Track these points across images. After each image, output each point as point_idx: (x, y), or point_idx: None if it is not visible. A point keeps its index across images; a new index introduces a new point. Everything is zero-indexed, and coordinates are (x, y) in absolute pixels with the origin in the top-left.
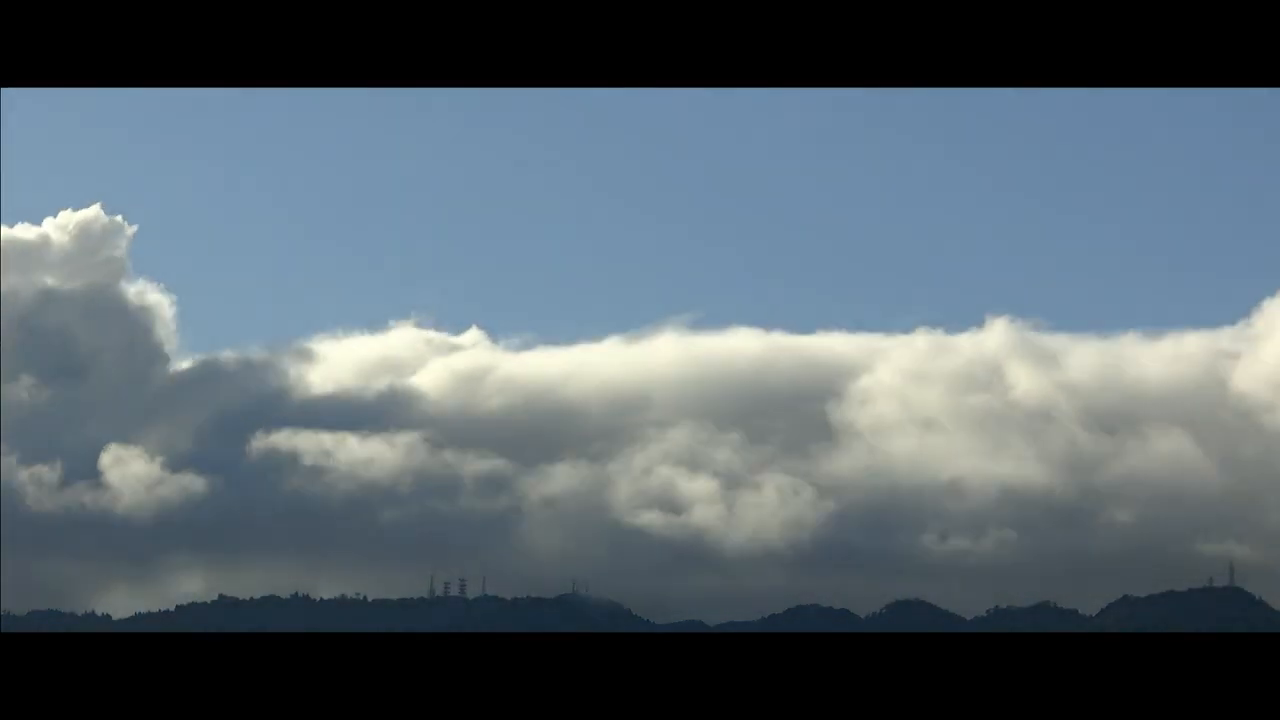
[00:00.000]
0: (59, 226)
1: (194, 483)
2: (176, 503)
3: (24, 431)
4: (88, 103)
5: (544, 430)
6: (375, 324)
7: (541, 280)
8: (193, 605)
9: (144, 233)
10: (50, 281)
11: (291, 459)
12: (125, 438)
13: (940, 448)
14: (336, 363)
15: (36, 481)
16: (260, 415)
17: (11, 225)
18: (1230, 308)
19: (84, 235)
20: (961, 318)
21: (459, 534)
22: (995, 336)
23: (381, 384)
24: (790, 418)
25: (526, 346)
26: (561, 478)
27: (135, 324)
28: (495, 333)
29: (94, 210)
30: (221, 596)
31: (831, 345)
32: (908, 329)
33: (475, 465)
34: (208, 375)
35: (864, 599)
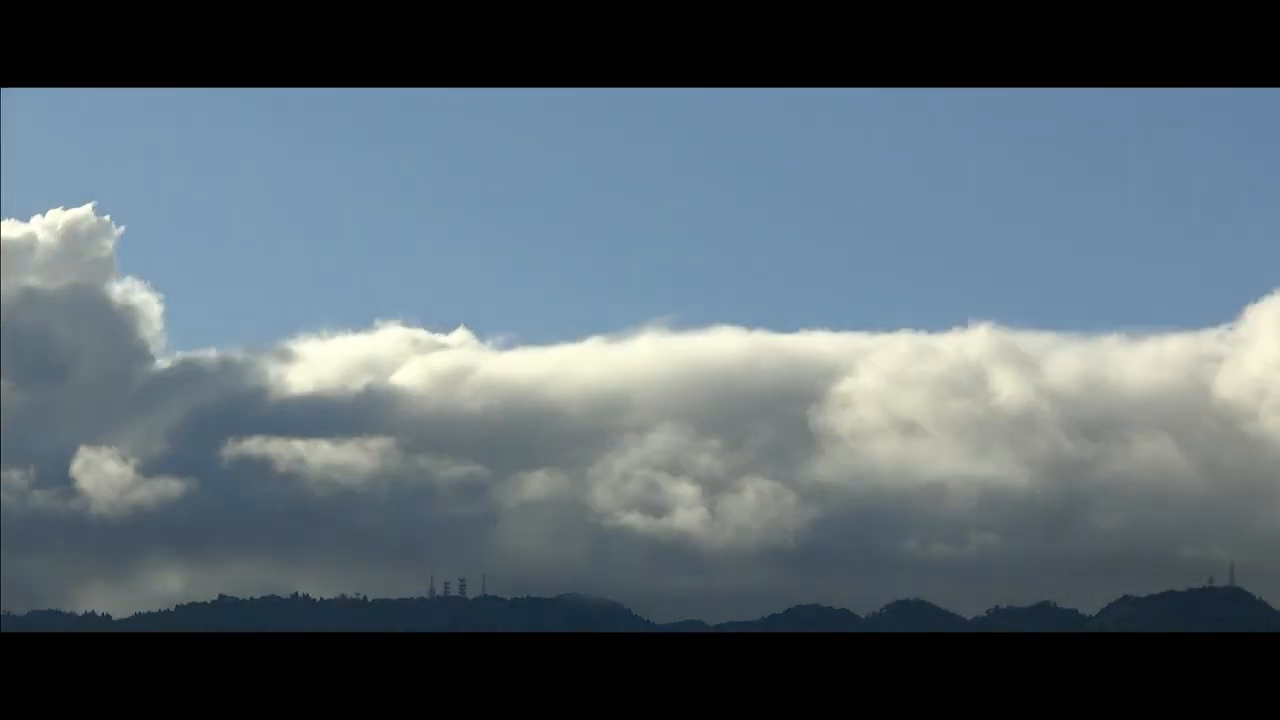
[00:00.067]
0: (47, 226)
1: (168, 486)
2: (149, 505)
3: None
4: (85, 102)
5: (522, 433)
6: (362, 323)
7: (530, 279)
8: (193, 605)
9: (136, 232)
10: (33, 281)
11: (263, 466)
12: (98, 439)
13: (923, 452)
14: (317, 363)
15: (9, 485)
16: (234, 417)
17: None
18: (1214, 309)
19: (70, 235)
20: (945, 316)
21: (439, 536)
22: (978, 342)
23: (359, 385)
24: (772, 420)
25: (509, 346)
26: (538, 482)
27: (118, 324)
28: (483, 332)
29: (84, 210)
30: (221, 596)
31: (815, 344)
32: (892, 328)
33: (450, 471)
34: (187, 375)
35: (864, 599)
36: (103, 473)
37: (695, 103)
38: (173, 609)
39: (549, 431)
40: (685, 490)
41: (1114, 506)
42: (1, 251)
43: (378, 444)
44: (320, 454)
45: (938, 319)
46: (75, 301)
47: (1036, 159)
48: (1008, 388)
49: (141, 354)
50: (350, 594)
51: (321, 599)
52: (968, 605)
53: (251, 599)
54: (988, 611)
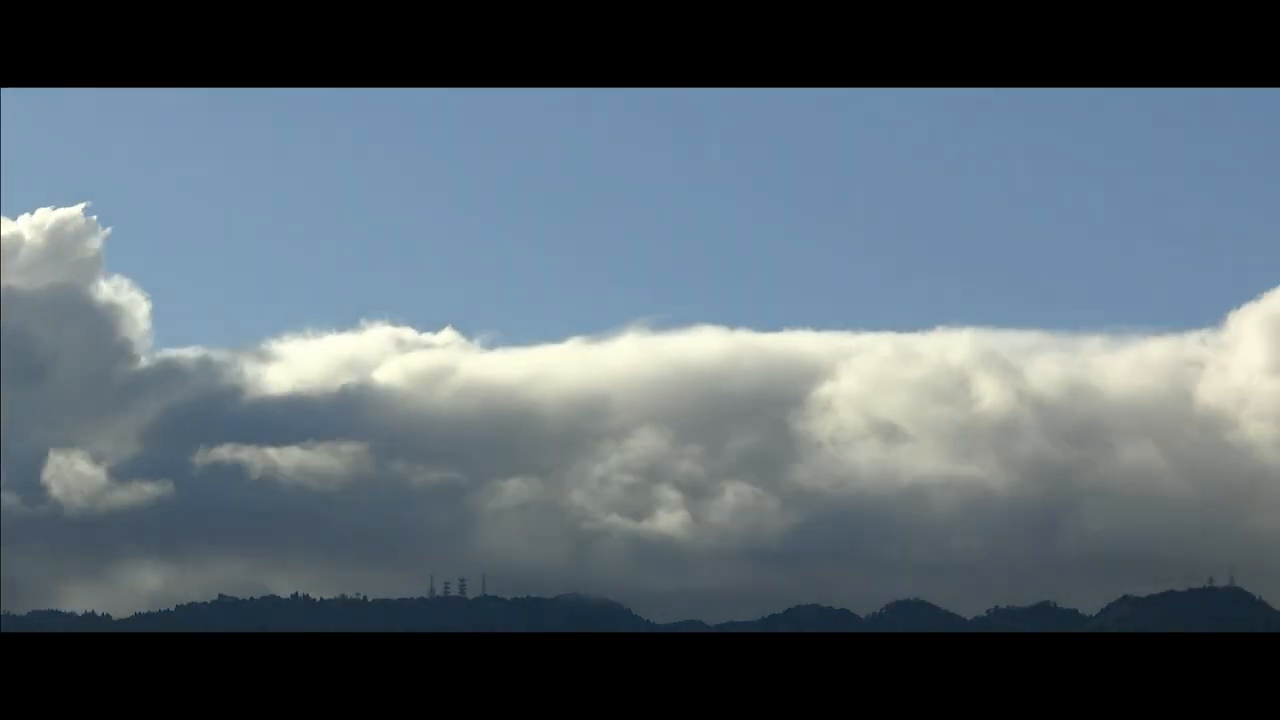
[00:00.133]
0: (34, 225)
1: (141, 489)
2: (122, 507)
3: None
4: (75, 102)
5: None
6: (348, 323)
7: (516, 279)
8: (193, 605)
9: (125, 231)
10: (13, 282)
11: (235, 469)
12: (73, 440)
13: (905, 456)
14: (299, 362)
15: None
16: (209, 418)
17: None
18: (1197, 313)
19: (55, 235)
20: (928, 315)
21: (420, 538)
22: (960, 347)
23: (335, 387)
24: (754, 422)
25: (492, 345)
26: (517, 486)
27: (101, 324)
28: (470, 332)
29: (73, 210)
30: (221, 596)
31: (797, 344)
32: (875, 327)
33: (426, 475)
34: (165, 375)
35: (864, 599)
36: (75, 474)
37: (677, 103)
38: (173, 609)
39: (530, 434)
40: (667, 493)
41: (1100, 511)
42: None
43: (350, 449)
44: (292, 458)
45: (920, 318)
46: (56, 302)
47: (1021, 161)
48: (990, 394)
49: (124, 353)
50: (350, 594)
51: (321, 599)
52: (968, 605)
53: (251, 599)
54: (988, 611)
